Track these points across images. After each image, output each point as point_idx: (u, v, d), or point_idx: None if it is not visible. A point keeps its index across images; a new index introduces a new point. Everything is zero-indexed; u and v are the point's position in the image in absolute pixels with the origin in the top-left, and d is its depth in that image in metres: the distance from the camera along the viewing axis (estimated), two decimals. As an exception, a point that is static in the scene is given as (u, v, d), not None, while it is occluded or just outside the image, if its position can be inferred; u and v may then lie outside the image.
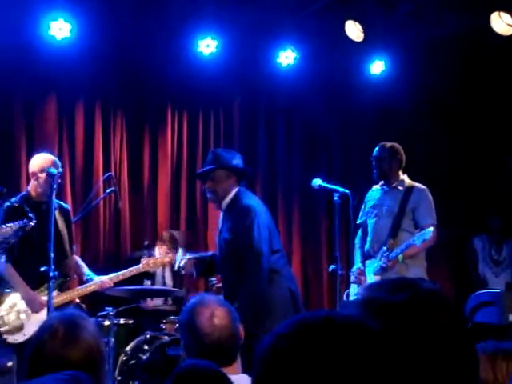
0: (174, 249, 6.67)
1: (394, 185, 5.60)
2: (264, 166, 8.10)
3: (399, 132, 7.61)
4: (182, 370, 2.08)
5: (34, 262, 4.81)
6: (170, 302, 6.76)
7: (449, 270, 8.41)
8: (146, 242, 6.78)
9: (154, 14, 7.04)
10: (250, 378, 2.55)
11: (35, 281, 5.00)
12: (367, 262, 5.60)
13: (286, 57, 7.66)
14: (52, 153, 6.02)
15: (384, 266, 5.32)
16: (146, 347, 5.49)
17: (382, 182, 5.69)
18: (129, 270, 5.62)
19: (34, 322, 4.89)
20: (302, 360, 1.00)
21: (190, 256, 5.38)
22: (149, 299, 6.56)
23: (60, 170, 5.17)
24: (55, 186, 4.86)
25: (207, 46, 7.30)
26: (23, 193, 5.28)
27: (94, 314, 5.75)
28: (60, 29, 6.66)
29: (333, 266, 5.24)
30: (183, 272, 5.39)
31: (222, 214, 5.14)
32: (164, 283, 6.77)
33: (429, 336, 1.17)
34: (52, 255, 4.58)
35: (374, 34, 7.37)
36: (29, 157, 5.51)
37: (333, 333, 1.03)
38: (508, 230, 8.03)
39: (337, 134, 8.55)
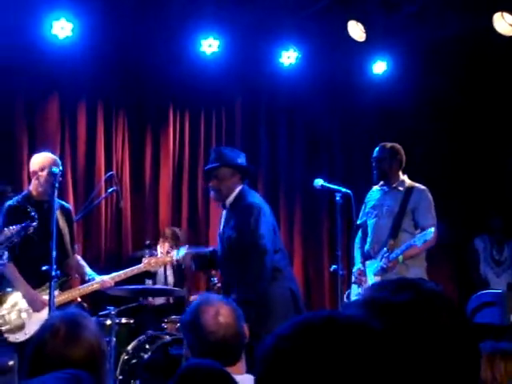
0: (176, 246, 6.68)
1: (394, 185, 5.60)
2: (266, 165, 8.10)
3: (401, 132, 7.61)
4: (186, 369, 2.08)
5: (36, 261, 4.82)
6: (171, 301, 6.76)
7: (450, 271, 8.41)
8: (148, 242, 6.78)
9: (155, 13, 7.05)
10: (253, 378, 2.55)
11: (37, 280, 5.01)
12: (367, 262, 5.59)
13: (288, 56, 7.66)
14: (54, 152, 6.03)
15: (384, 266, 5.32)
16: (147, 346, 5.50)
17: (382, 182, 5.69)
18: (130, 269, 5.62)
19: (36, 321, 4.89)
20: (304, 361, 1.00)
21: (190, 250, 5.38)
22: (150, 298, 6.56)
23: (60, 168, 5.17)
24: (57, 185, 4.87)
25: (209, 45, 7.30)
26: (24, 192, 5.29)
27: (96, 313, 5.76)
28: (62, 28, 6.67)
29: (334, 266, 5.25)
30: (179, 262, 5.34)
31: (225, 212, 5.14)
32: (166, 282, 6.77)
33: (431, 336, 1.17)
34: (54, 254, 4.59)
35: (376, 35, 7.37)
36: (31, 156, 5.51)
37: (335, 333, 1.02)
38: (510, 231, 8.02)
39: (339, 134, 8.55)
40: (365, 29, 7.26)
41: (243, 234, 4.89)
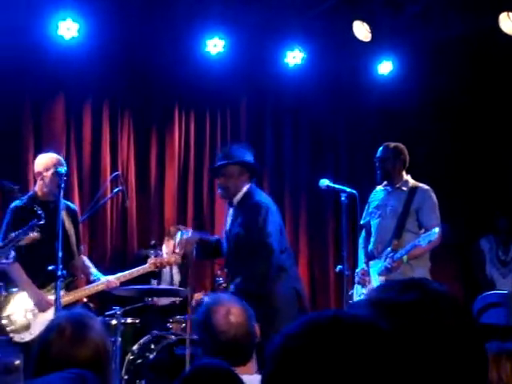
0: (183, 259, 6.69)
1: (397, 185, 5.59)
2: (271, 165, 8.10)
3: (406, 132, 7.60)
4: (194, 369, 2.08)
5: (42, 262, 4.83)
6: (177, 301, 6.76)
7: (456, 271, 8.39)
8: (153, 241, 6.78)
9: (161, 13, 7.05)
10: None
11: (42, 280, 5.02)
12: (371, 262, 5.59)
13: (294, 57, 7.66)
14: (60, 152, 6.04)
15: (389, 266, 5.32)
16: (152, 346, 5.51)
17: (386, 182, 5.68)
18: (136, 269, 5.63)
19: (41, 321, 4.90)
20: (311, 360, 1.00)
21: (194, 234, 5.30)
22: (155, 298, 6.56)
23: (65, 168, 5.18)
24: (63, 185, 4.87)
25: (214, 45, 7.30)
26: (30, 193, 5.29)
27: (102, 313, 5.77)
28: (68, 29, 6.68)
29: (340, 267, 5.26)
30: (181, 247, 5.26)
31: (231, 210, 5.14)
32: (171, 282, 6.77)
33: (437, 336, 1.17)
34: (60, 254, 4.59)
35: (381, 35, 7.37)
36: (37, 156, 5.51)
37: (341, 332, 1.03)
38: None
39: (344, 134, 8.55)
40: (370, 29, 7.26)
41: (251, 232, 4.90)
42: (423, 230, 5.37)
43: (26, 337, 4.94)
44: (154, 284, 6.42)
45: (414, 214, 5.48)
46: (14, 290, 5.05)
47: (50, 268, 4.64)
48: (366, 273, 5.56)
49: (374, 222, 5.65)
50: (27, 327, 4.98)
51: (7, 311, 5.00)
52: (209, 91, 7.71)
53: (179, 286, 6.65)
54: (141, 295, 6.07)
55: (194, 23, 7.19)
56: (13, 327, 4.97)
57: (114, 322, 5.57)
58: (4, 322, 4.96)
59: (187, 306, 4.96)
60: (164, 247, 6.77)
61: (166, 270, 6.74)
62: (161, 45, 7.28)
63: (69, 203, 5.48)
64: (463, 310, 1.23)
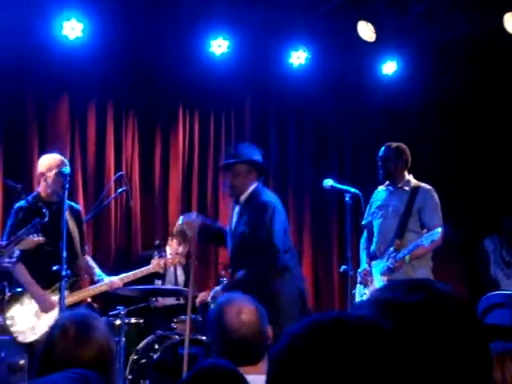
0: (184, 242, 6.70)
1: (399, 185, 5.59)
2: (275, 166, 8.09)
3: (410, 132, 7.60)
4: (200, 369, 2.08)
5: (45, 262, 4.83)
6: (181, 301, 6.76)
7: (460, 272, 8.39)
8: (157, 242, 6.79)
9: (165, 13, 7.06)
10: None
11: (46, 281, 5.02)
12: (373, 262, 5.59)
13: (298, 57, 7.66)
14: (64, 152, 6.06)
15: (391, 266, 5.32)
16: (156, 346, 5.51)
17: (388, 182, 5.68)
18: (139, 270, 5.64)
19: (45, 322, 4.91)
20: (315, 361, 1.00)
21: (197, 217, 5.30)
22: (160, 298, 6.57)
23: (69, 169, 5.18)
24: (67, 186, 4.88)
25: (219, 46, 7.30)
26: (34, 193, 5.28)
27: (106, 313, 5.78)
28: (72, 29, 6.68)
29: (344, 267, 5.26)
30: (185, 229, 5.28)
31: (237, 209, 5.15)
32: (176, 282, 6.77)
33: (442, 337, 1.16)
34: (64, 254, 4.60)
35: (386, 35, 7.36)
36: (41, 157, 5.52)
37: (345, 333, 1.03)
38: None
39: (348, 134, 8.54)
40: (375, 29, 7.25)
41: (256, 231, 4.92)
42: (425, 230, 5.37)
43: (30, 337, 4.94)
44: (158, 284, 6.42)
45: (416, 213, 5.48)
46: (19, 290, 5.06)
47: (55, 268, 4.64)
48: (369, 273, 5.56)
49: (376, 222, 5.65)
50: (31, 327, 4.98)
51: (11, 311, 5.01)
52: (213, 91, 7.71)
53: (183, 287, 6.65)
54: (145, 295, 6.07)
55: (199, 23, 7.19)
56: (17, 327, 4.97)
57: (118, 322, 5.57)
58: (8, 322, 4.97)
59: (187, 301, 4.95)
60: (168, 248, 6.78)
61: (171, 270, 6.74)
62: (165, 45, 7.28)
63: (72, 203, 5.48)
64: (468, 310, 1.23)
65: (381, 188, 5.77)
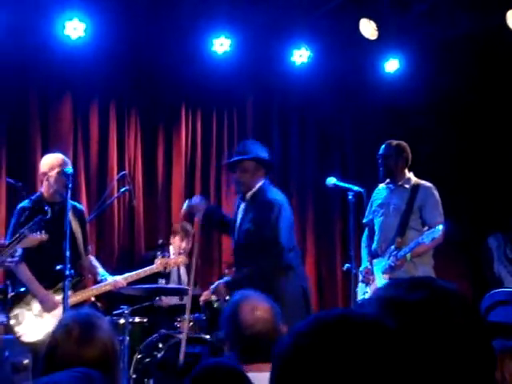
0: (187, 238, 6.71)
1: (400, 183, 5.59)
2: (278, 164, 8.07)
3: (412, 131, 7.59)
4: (202, 368, 2.09)
5: (48, 263, 4.84)
6: (185, 300, 6.76)
7: (464, 269, 8.38)
8: (160, 241, 6.79)
9: (167, 13, 7.06)
10: None
11: (49, 281, 5.02)
12: (375, 260, 5.59)
13: (300, 55, 7.66)
14: (67, 152, 6.06)
15: (393, 264, 5.31)
16: (160, 345, 5.51)
17: (388, 180, 5.68)
18: (143, 270, 5.64)
19: (48, 321, 4.92)
20: (319, 358, 1.00)
21: (202, 201, 5.38)
22: (163, 297, 6.57)
23: (71, 168, 5.18)
24: (70, 185, 4.88)
25: (221, 44, 7.30)
26: (37, 194, 5.28)
27: (109, 313, 5.79)
28: (75, 28, 6.69)
29: (347, 265, 5.26)
30: (191, 211, 5.33)
31: (243, 206, 5.16)
32: (179, 281, 6.78)
33: (445, 334, 1.16)
34: (68, 254, 4.60)
35: (388, 33, 7.35)
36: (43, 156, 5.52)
37: (349, 331, 1.03)
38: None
39: (351, 132, 8.54)
40: (377, 27, 7.25)
41: (262, 229, 4.93)
42: (426, 228, 5.36)
43: (34, 336, 4.95)
44: (161, 283, 6.43)
45: (417, 211, 5.47)
46: (22, 289, 5.06)
47: (58, 268, 4.64)
48: (370, 271, 5.56)
49: (378, 221, 5.65)
50: (34, 327, 4.99)
51: (15, 311, 5.01)
52: (215, 90, 7.71)
53: (187, 286, 6.65)
54: (149, 294, 6.08)
55: (201, 22, 7.19)
56: (20, 327, 4.98)
57: (121, 321, 5.58)
58: (12, 321, 4.97)
59: (190, 275, 4.96)
60: (171, 248, 6.78)
61: (174, 269, 6.74)
62: (167, 44, 7.28)
63: (75, 203, 5.47)
64: (471, 308, 1.23)
65: (381, 186, 5.76)
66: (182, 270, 6.86)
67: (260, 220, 4.97)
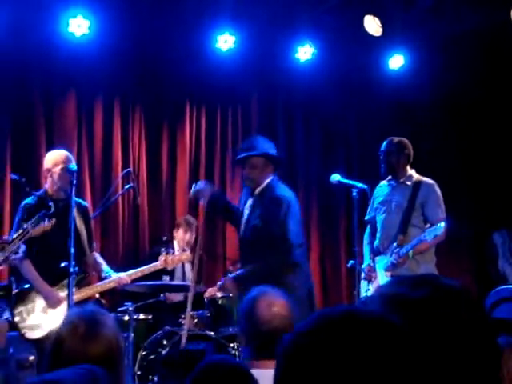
0: (190, 230, 6.71)
1: (401, 180, 5.57)
2: (282, 161, 8.08)
3: (418, 127, 7.58)
4: (205, 365, 2.09)
5: (53, 259, 4.83)
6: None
7: (469, 265, 8.37)
8: (165, 238, 6.80)
9: (171, 9, 7.06)
10: None
11: (54, 278, 5.02)
12: (377, 258, 5.58)
13: (305, 52, 7.64)
14: (71, 149, 6.06)
15: (395, 262, 5.31)
16: (165, 342, 5.52)
17: (390, 177, 5.67)
18: (147, 267, 5.64)
19: (53, 318, 4.93)
20: (324, 356, 1.00)
21: (208, 185, 5.43)
22: (168, 294, 6.58)
23: (75, 165, 5.18)
24: (75, 182, 4.88)
25: (225, 41, 7.30)
26: (41, 191, 5.28)
27: (114, 310, 5.79)
28: (79, 26, 6.69)
29: (352, 262, 5.26)
30: (196, 196, 5.39)
31: (251, 201, 5.17)
32: (184, 278, 6.78)
33: (450, 331, 1.16)
34: (72, 251, 4.60)
35: (392, 29, 7.34)
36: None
37: (354, 328, 1.03)
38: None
39: (355, 129, 8.53)
40: (381, 23, 7.23)
41: (270, 225, 4.94)
42: (428, 225, 5.35)
43: (38, 334, 4.95)
44: (166, 280, 6.43)
45: (419, 208, 5.46)
46: (26, 286, 5.07)
47: (63, 265, 4.64)
48: (372, 269, 5.56)
49: (380, 218, 5.64)
50: (39, 324, 4.99)
51: (19, 308, 5.02)
52: (220, 87, 7.71)
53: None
54: (153, 291, 6.08)
55: (205, 19, 7.19)
56: (25, 323, 4.99)
57: (126, 318, 5.58)
58: (16, 318, 4.98)
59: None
60: (175, 243, 6.78)
61: (179, 266, 6.75)
62: (171, 41, 7.28)
63: (80, 200, 5.48)
64: (475, 304, 1.23)
65: (383, 183, 5.75)
66: (187, 267, 6.87)
67: (268, 216, 4.98)
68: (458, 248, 7.71)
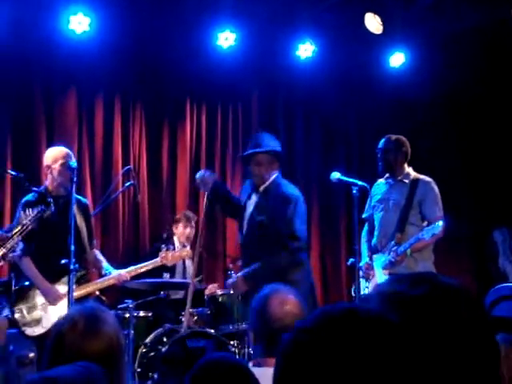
0: (190, 224, 6.71)
1: (399, 178, 5.57)
2: (283, 158, 8.08)
3: (418, 125, 7.58)
4: (205, 363, 2.09)
5: (53, 256, 4.84)
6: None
7: (469, 263, 8.37)
8: (165, 235, 6.81)
9: (172, 7, 7.06)
10: None
11: (54, 274, 5.03)
12: (375, 256, 5.58)
13: (305, 49, 7.64)
14: (72, 146, 6.06)
15: (393, 260, 5.31)
16: (165, 339, 5.53)
17: (388, 175, 5.66)
18: (146, 263, 5.65)
19: (52, 315, 4.94)
20: (324, 353, 1.00)
21: (211, 174, 5.46)
22: (168, 291, 6.59)
23: (75, 162, 5.18)
24: (75, 179, 4.88)
25: (226, 39, 7.30)
26: (41, 188, 5.28)
27: (114, 307, 5.80)
28: (79, 23, 6.69)
29: (352, 259, 5.26)
30: (200, 182, 5.42)
31: (254, 197, 5.18)
32: (185, 275, 6.78)
33: (449, 329, 1.16)
34: (73, 248, 4.61)
35: (393, 27, 7.34)
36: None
37: (354, 326, 1.03)
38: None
39: (355, 127, 8.53)
40: (382, 21, 7.23)
41: (278, 223, 4.95)
42: (426, 223, 5.35)
43: (38, 330, 4.96)
44: (166, 277, 6.44)
45: (416, 206, 5.45)
46: (26, 283, 5.07)
47: (63, 262, 4.65)
48: (370, 267, 5.55)
49: (377, 216, 5.63)
50: (39, 321, 5.00)
51: (19, 305, 5.02)
52: (220, 84, 7.71)
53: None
54: (153, 288, 6.09)
55: (205, 17, 7.19)
56: (25, 320, 4.99)
57: (126, 315, 5.59)
58: (16, 315, 4.99)
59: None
60: (176, 239, 6.78)
61: (179, 263, 6.75)
62: (172, 38, 7.28)
63: (80, 197, 5.47)
64: (474, 302, 1.23)
65: (380, 181, 5.74)
66: (188, 263, 6.87)
67: (276, 214, 4.99)
68: (458, 247, 7.71)
